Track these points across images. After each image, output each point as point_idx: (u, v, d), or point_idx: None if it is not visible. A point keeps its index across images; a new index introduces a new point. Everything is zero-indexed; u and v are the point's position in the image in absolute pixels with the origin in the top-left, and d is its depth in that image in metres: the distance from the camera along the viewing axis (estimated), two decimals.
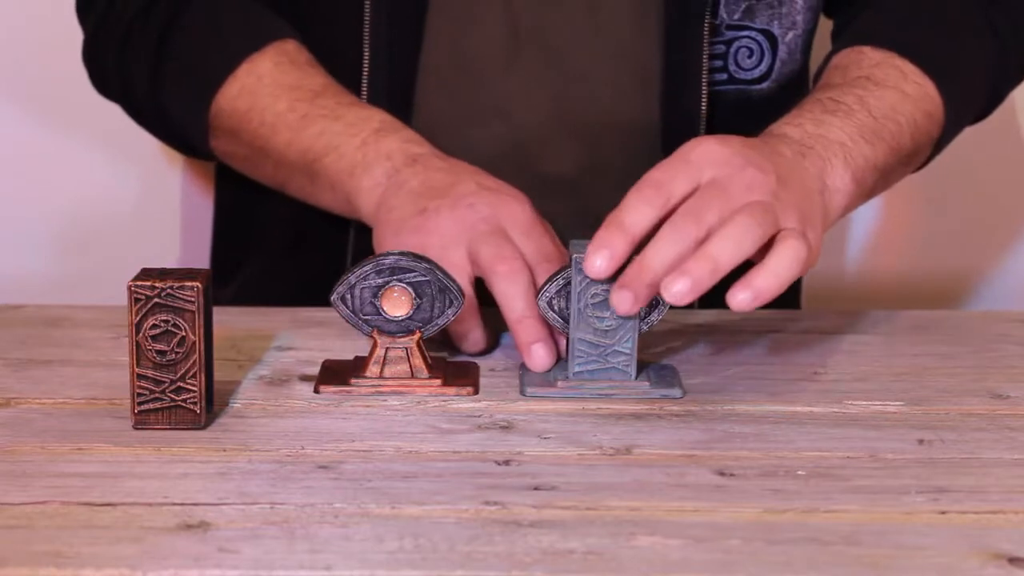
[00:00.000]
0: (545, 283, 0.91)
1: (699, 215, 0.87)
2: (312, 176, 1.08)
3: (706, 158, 0.90)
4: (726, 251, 0.85)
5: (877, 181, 1.05)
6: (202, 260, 1.37)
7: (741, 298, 0.85)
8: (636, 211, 0.87)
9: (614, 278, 0.87)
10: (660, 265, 0.86)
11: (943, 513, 0.75)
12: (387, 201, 1.02)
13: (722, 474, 0.79)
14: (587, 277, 0.88)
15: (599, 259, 0.87)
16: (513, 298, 0.93)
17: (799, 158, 0.97)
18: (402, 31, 1.14)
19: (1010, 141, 1.56)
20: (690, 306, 1.16)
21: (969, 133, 1.22)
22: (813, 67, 1.29)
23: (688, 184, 0.89)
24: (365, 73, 1.14)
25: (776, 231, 0.89)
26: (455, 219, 0.98)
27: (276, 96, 1.10)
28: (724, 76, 1.17)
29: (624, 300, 0.86)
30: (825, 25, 1.26)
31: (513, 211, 0.98)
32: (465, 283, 0.95)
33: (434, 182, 1.01)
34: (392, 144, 1.05)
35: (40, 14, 1.42)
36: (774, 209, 0.89)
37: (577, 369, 0.91)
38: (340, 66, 1.13)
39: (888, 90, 1.08)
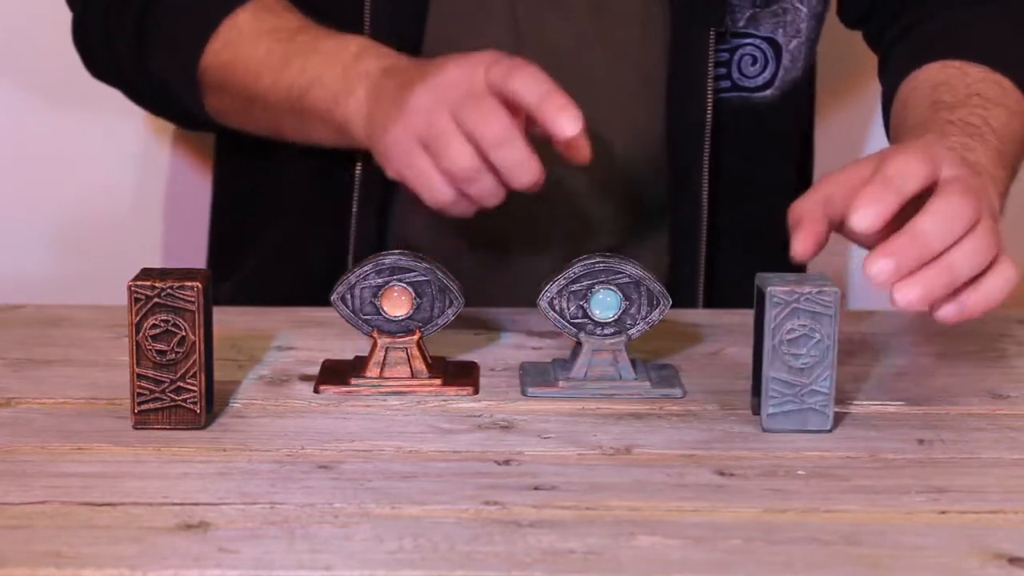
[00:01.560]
0: (546, 283, 0.91)
1: (968, 188, 0.81)
2: (300, 113, 1.09)
3: (941, 157, 0.85)
4: (970, 264, 0.82)
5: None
6: (201, 258, 1.37)
7: (948, 310, 0.83)
8: (908, 170, 0.81)
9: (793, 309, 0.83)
10: (936, 238, 0.80)
11: (943, 513, 0.75)
12: (372, 114, 1.03)
13: (722, 474, 0.79)
14: (782, 312, 0.83)
15: (871, 211, 0.80)
16: (527, 91, 0.94)
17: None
18: (403, 35, 1.14)
19: None
20: (691, 306, 1.17)
21: None
22: (820, 76, 1.28)
23: (936, 169, 0.83)
24: None
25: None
26: (429, 90, 0.98)
27: (255, 43, 1.11)
28: (728, 83, 1.17)
29: (884, 268, 0.79)
30: (831, 33, 1.25)
31: (469, 76, 0.98)
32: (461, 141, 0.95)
33: (407, 77, 1.02)
34: (370, 64, 1.06)
35: (41, 14, 1.42)
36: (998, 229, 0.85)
37: (772, 411, 0.85)
38: None
39: (1000, 108, 1.04)
